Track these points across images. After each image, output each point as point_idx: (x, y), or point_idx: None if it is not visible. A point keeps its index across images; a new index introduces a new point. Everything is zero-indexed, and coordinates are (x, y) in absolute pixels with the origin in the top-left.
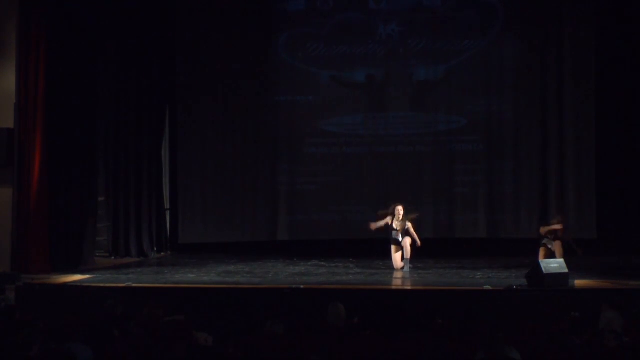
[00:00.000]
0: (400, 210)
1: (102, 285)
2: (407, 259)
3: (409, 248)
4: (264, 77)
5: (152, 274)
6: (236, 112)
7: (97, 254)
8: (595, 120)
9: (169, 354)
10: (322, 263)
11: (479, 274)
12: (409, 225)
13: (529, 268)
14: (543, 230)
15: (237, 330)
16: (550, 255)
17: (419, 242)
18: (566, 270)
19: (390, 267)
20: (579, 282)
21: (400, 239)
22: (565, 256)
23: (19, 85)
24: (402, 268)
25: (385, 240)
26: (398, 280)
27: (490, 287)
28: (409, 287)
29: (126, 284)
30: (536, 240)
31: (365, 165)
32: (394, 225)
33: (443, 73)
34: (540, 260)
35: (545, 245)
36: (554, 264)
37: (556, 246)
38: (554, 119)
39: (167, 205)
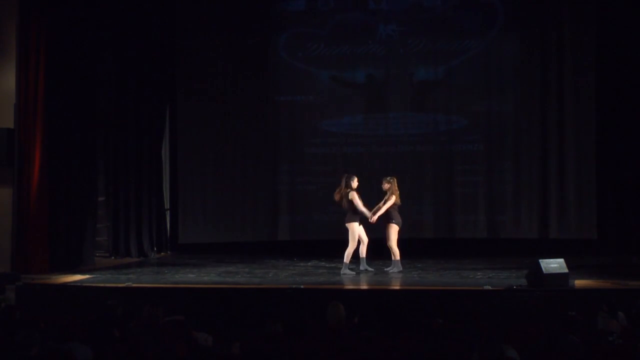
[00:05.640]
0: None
1: (102, 285)
2: (363, 258)
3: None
4: (264, 77)
5: (152, 274)
6: (236, 112)
7: (97, 254)
8: (595, 120)
9: (169, 354)
10: (322, 263)
11: (479, 274)
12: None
13: (529, 268)
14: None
15: (237, 330)
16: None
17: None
18: (566, 270)
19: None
20: (579, 282)
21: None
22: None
23: (19, 85)
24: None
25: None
26: (397, 281)
27: (490, 287)
28: (409, 287)
29: (126, 284)
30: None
31: (365, 165)
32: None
33: (443, 73)
34: (540, 260)
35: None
36: (554, 264)
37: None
38: (554, 118)
39: (167, 205)
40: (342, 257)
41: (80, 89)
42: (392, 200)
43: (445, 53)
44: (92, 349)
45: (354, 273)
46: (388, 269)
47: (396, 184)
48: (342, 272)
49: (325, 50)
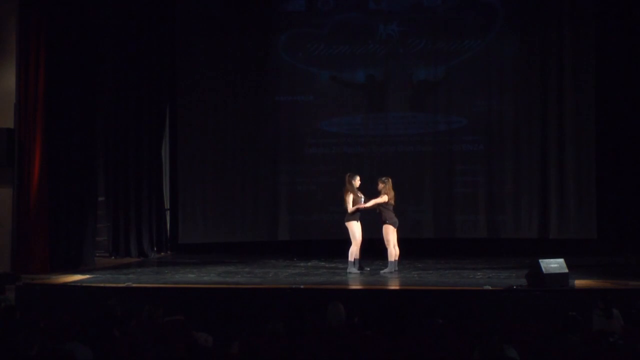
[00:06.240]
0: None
1: (102, 285)
2: (357, 259)
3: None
4: (264, 77)
5: (152, 274)
6: (236, 112)
7: (97, 254)
8: (595, 120)
9: (169, 354)
10: (322, 263)
11: (479, 274)
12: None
13: (529, 268)
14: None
15: (237, 330)
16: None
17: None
18: (566, 270)
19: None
20: (579, 282)
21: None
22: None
23: (19, 85)
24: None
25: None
26: (397, 281)
27: (490, 287)
28: (409, 287)
29: (126, 284)
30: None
31: (365, 165)
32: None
33: (443, 73)
34: (540, 260)
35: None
36: (554, 264)
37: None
38: (554, 119)
39: (167, 205)
40: (342, 257)
41: (80, 88)
42: (383, 199)
43: (445, 53)
44: (92, 349)
45: (359, 272)
46: (383, 270)
47: (390, 185)
48: (347, 271)
49: (325, 50)
